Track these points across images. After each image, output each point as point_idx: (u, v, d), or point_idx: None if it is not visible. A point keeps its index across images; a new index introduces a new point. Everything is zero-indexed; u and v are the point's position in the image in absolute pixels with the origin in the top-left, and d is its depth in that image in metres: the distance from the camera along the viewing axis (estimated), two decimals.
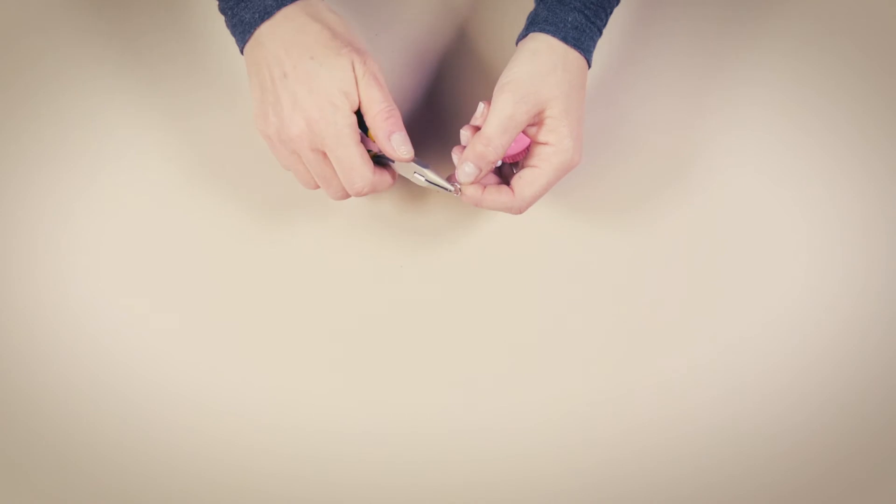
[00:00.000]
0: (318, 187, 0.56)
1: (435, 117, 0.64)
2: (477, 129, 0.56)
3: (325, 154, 0.54)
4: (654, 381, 0.61)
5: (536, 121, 0.55)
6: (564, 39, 0.54)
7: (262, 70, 0.53)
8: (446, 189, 0.56)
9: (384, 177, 0.55)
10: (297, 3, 0.53)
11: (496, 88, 0.54)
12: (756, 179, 0.63)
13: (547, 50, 0.54)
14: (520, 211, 0.56)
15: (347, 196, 0.56)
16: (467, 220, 0.63)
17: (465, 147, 0.56)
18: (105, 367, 0.61)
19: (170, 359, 0.61)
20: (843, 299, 0.62)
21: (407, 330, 0.62)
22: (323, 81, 0.52)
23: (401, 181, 0.62)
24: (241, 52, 0.55)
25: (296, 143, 0.53)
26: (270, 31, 0.53)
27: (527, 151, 0.57)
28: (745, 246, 0.63)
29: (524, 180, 0.55)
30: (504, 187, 0.56)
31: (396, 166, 0.56)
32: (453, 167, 0.56)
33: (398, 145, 0.54)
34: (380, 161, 0.56)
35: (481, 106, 0.56)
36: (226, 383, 0.61)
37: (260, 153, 0.62)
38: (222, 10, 0.55)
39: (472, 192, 0.56)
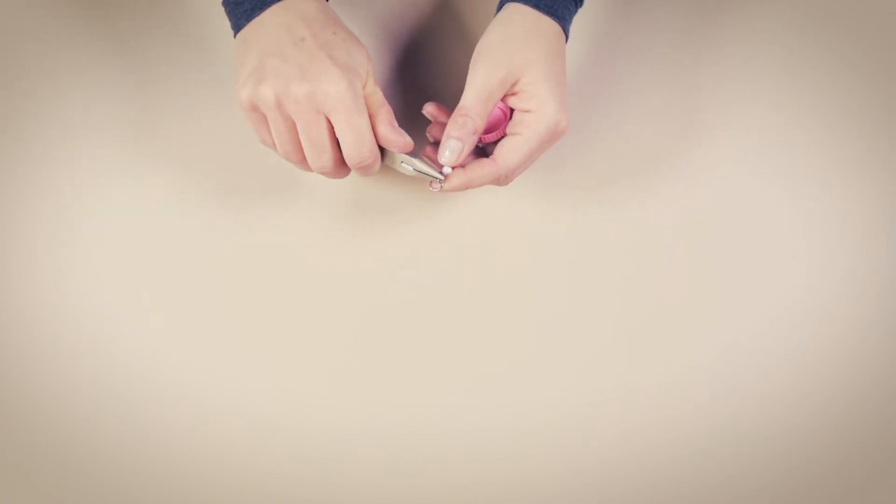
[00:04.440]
0: (301, 161, 0.54)
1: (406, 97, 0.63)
2: (440, 107, 0.57)
3: (328, 121, 0.52)
4: (654, 382, 0.61)
5: (514, 90, 0.54)
6: (536, 7, 0.54)
7: (266, 39, 0.52)
8: (434, 177, 0.55)
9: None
10: None
11: (470, 62, 0.54)
12: (754, 177, 0.63)
13: (519, 18, 0.54)
14: (506, 181, 0.55)
15: (332, 173, 0.54)
16: (468, 220, 0.63)
17: (436, 124, 0.56)
18: (105, 367, 0.61)
19: (169, 358, 0.61)
20: (843, 299, 0.62)
21: (405, 330, 0.62)
22: (343, 53, 0.51)
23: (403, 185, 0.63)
24: (235, 34, 0.54)
25: (301, 105, 0.51)
26: (280, 11, 0.52)
27: (504, 130, 0.56)
28: (745, 245, 0.63)
29: (506, 148, 0.54)
30: (485, 159, 0.55)
31: (386, 158, 0.56)
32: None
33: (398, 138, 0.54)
34: None
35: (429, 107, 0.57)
36: (225, 383, 0.61)
37: (255, 153, 0.62)
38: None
39: (457, 180, 0.54)
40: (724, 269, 0.62)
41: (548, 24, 0.54)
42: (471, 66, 0.54)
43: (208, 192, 0.63)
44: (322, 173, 0.54)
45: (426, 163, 0.55)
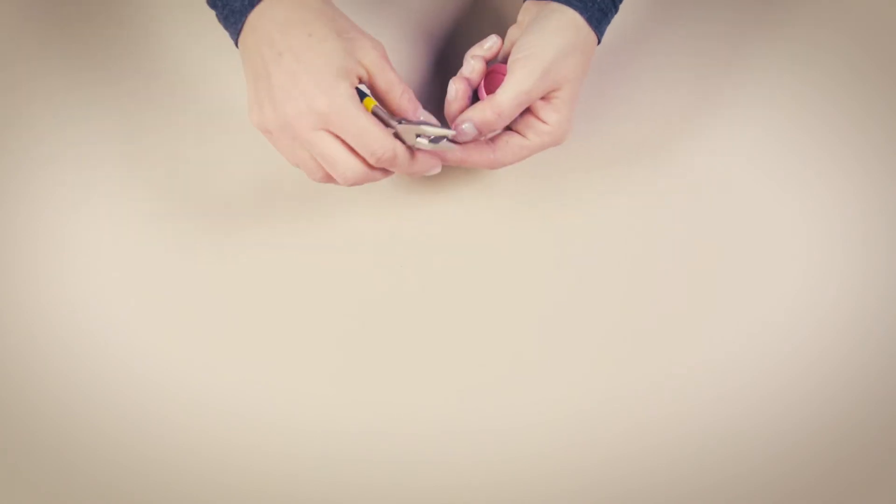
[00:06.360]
0: (328, 178, 0.53)
1: (440, 95, 0.63)
2: (486, 59, 0.56)
3: (330, 132, 0.50)
4: (654, 381, 0.61)
5: (546, 98, 0.55)
6: (589, 20, 0.54)
7: (255, 56, 0.51)
8: (445, 135, 0.53)
9: (405, 149, 0.52)
10: None
11: (514, 55, 0.53)
12: (756, 178, 0.63)
13: (573, 29, 0.54)
14: (497, 168, 0.57)
15: (361, 178, 0.52)
16: (471, 220, 0.63)
17: (464, 78, 0.55)
18: (105, 368, 0.61)
19: (169, 357, 0.61)
20: (845, 298, 0.62)
21: (406, 329, 0.62)
22: (321, 58, 0.49)
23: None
24: (237, 44, 0.53)
25: (296, 127, 0.50)
26: (263, 13, 0.50)
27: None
28: (747, 245, 0.63)
29: (510, 147, 0.55)
30: (486, 148, 0.56)
31: (400, 130, 0.53)
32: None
33: (426, 117, 0.54)
34: None
35: (494, 38, 0.56)
36: (225, 383, 0.61)
37: (259, 154, 0.62)
38: (212, 4, 0.53)
39: (458, 154, 0.55)
40: (726, 269, 0.62)
41: (592, 39, 0.55)
42: (516, 63, 0.53)
43: (208, 193, 0.63)
44: (356, 183, 0.53)
45: (435, 126, 0.53)
